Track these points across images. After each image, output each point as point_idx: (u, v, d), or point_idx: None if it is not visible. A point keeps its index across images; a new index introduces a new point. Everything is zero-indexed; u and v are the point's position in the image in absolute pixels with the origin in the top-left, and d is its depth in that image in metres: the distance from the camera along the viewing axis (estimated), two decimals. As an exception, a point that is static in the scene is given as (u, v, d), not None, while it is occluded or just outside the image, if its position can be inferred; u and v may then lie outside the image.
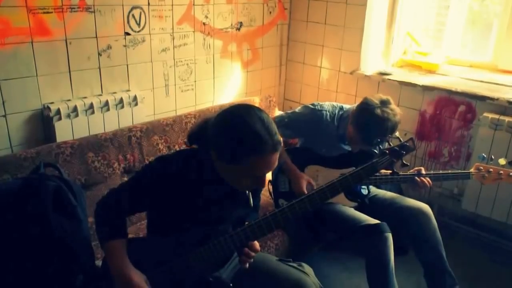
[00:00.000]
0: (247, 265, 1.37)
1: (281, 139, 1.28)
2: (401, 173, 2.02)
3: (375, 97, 1.91)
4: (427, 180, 1.98)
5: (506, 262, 2.49)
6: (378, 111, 1.84)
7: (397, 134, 1.56)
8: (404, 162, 1.53)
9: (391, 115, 1.84)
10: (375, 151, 1.53)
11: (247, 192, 1.42)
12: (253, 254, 1.36)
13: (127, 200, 1.37)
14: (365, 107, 1.89)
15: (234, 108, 1.31)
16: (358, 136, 1.91)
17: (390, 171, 1.55)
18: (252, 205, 1.40)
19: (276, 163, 1.28)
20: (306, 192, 1.91)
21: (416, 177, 1.99)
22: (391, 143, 1.53)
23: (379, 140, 1.63)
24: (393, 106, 1.89)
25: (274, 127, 1.26)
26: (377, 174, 2.07)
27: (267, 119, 1.25)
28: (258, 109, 1.29)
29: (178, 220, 1.37)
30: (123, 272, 1.27)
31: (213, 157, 1.31)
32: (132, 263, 1.31)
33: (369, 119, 1.84)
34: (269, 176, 2.20)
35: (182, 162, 1.36)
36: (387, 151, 1.51)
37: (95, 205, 1.40)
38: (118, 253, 1.30)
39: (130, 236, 1.91)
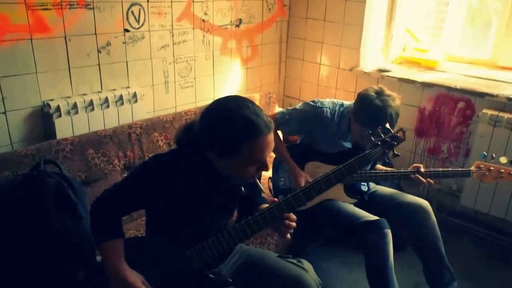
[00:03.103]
0: (288, 235, 1.36)
1: (272, 120, 1.29)
2: (402, 169, 2.03)
3: (369, 90, 1.92)
4: (426, 180, 1.99)
5: (505, 258, 2.51)
6: (377, 101, 1.85)
7: (387, 125, 1.58)
8: (395, 152, 1.57)
9: (391, 101, 1.85)
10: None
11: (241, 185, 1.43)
12: (293, 224, 1.35)
13: (121, 199, 1.36)
14: (363, 102, 1.90)
15: (216, 104, 1.31)
16: (364, 131, 1.92)
17: (389, 165, 1.57)
18: (263, 190, 1.42)
19: (273, 143, 1.29)
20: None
21: (412, 175, 1.99)
22: (382, 135, 1.55)
23: (385, 128, 1.65)
24: (389, 92, 1.90)
25: (260, 108, 1.27)
26: (377, 171, 2.09)
27: (252, 104, 1.27)
28: (239, 97, 1.31)
29: (175, 218, 1.37)
30: (119, 273, 1.27)
31: (212, 158, 1.31)
32: (131, 262, 1.31)
33: (371, 112, 1.85)
34: (269, 173, 2.21)
35: (177, 160, 1.36)
36: (379, 142, 1.54)
37: (90, 206, 1.39)
38: (114, 253, 1.30)
39: (130, 232, 1.93)
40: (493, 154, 1.98)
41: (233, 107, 1.25)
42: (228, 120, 1.24)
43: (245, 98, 1.30)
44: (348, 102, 2.16)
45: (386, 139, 1.55)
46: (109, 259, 1.29)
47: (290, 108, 2.23)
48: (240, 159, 1.25)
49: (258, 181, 1.39)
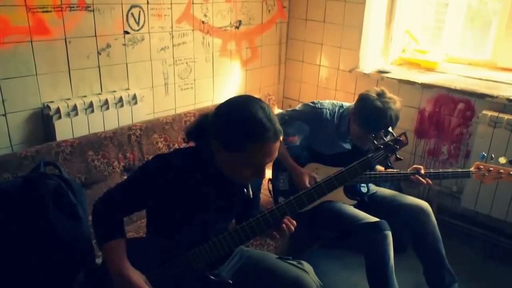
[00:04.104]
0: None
1: (282, 130, 1.30)
2: (401, 170, 2.03)
3: (371, 91, 1.92)
4: (426, 180, 1.98)
5: (505, 260, 2.50)
6: (378, 102, 1.85)
7: (390, 129, 1.58)
8: (398, 156, 1.56)
9: (391, 103, 1.85)
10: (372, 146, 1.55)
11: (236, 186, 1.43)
12: (292, 228, 1.38)
13: (124, 200, 1.36)
14: (364, 103, 1.90)
15: (234, 99, 1.33)
16: (364, 133, 1.91)
17: (391, 169, 1.56)
18: (251, 196, 1.42)
19: (277, 153, 1.29)
20: (309, 186, 1.92)
21: (412, 176, 1.99)
22: (385, 138, 1.55)
23: (386, 131, 1.64)
24: (390, 95, 1.90)
25: (274, 116, 1.28)
26: (377, 172, 2.09)
27: (267, 108, 1.28)
28: (258, 99, 1.32)
29: (176, 219, 1.37)
30: (122, 273, 1.27)
31: (213, 147, 1.30)
32: (132, 263, 1.31)
33: (371, 113, 1.85)
34: (269, 175, 2.21)
35: (180, 160, 1.36)
36: (382, 146, 1.53)
37: (92, 206, 1.39)
38: (117, 253, 1.30)
39: (130, 234, 1.93)
40: (493, 155, 1.98)
41: (249, 106, 1.26)
42: (239, 117, 1.25)
43: (263, 102, 1.31)
44: (348, 103, 2.16)
45: (389, 142, 1.54)
46: (112, 259, 1.30)
47: (290, 109, 2.23)
48: (240, 156, 1.25)
49: (249, 189, 1.39)
